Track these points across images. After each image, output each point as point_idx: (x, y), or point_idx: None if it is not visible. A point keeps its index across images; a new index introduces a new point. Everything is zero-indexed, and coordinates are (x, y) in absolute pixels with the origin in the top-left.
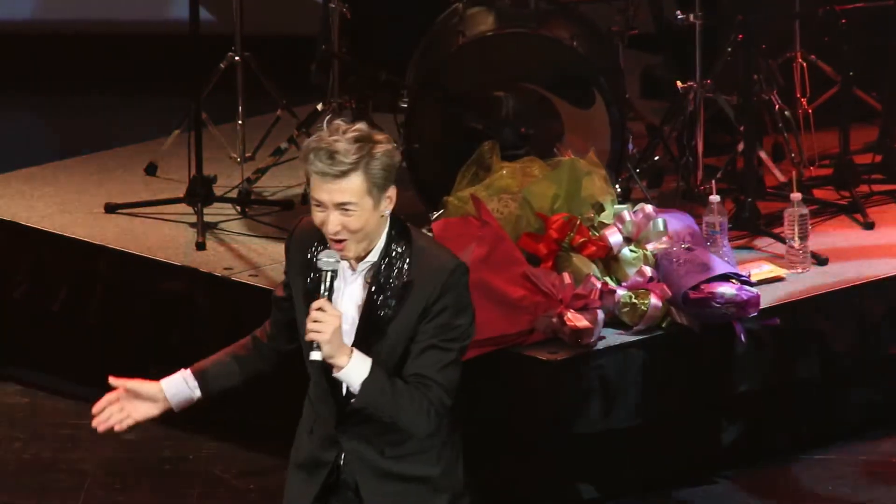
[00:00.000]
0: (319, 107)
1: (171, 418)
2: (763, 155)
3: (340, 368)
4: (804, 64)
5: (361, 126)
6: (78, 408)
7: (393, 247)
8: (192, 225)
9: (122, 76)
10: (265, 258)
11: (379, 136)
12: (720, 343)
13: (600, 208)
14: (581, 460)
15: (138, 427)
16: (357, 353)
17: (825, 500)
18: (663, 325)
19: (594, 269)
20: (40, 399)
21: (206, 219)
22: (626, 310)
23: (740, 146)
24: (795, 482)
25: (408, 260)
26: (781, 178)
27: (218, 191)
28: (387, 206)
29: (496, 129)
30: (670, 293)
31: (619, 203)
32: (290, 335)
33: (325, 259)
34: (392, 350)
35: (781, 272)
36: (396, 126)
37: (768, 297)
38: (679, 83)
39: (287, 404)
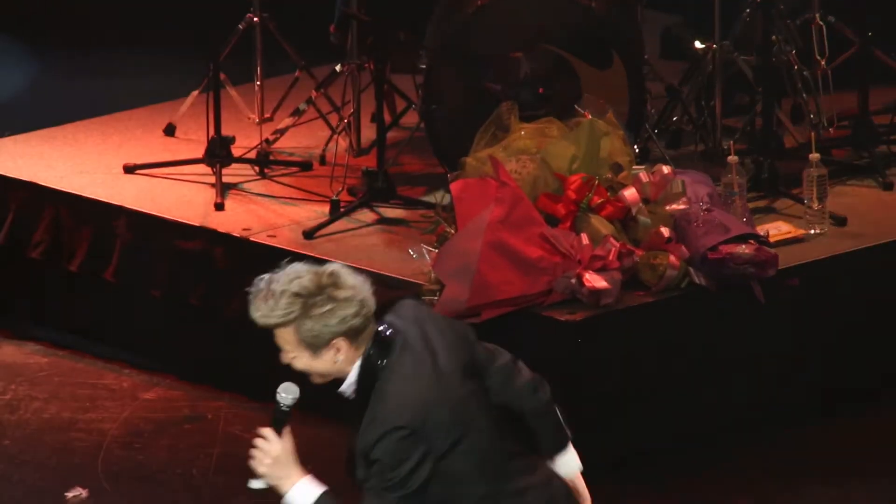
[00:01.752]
0: (338, 67)
1: (190, 377)
2: (782, 116)
3: (283, 496)
4: (823, 25)
5: (314, 276)
6: (97, 367)
7: (363, 383)
8: (210, 185)
9: (140, 36)
10: (284, 219)
11: (337, 291)
12: (738, 303)
13: (618, 169)
14: (599, 421)
15: (157, 386)
16: (304, 483)
17: (841, 463)
18: (682, 285)
19: (612, 230)
20: (60, 358)
21: (225, 179)
22: (644, 271)
23: (759, 107)
24: (812, 444)
25: (373, 398)
26: (800, 138)
27: (236, 151)
28: (335, 356)
29: (514, 89)
30: (688, 254)
31: (638, 164)
32: None
33: (283, 394)
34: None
35: (800, 232)
36: (415, 87)
37: (786, 257)
38: (698, 44)
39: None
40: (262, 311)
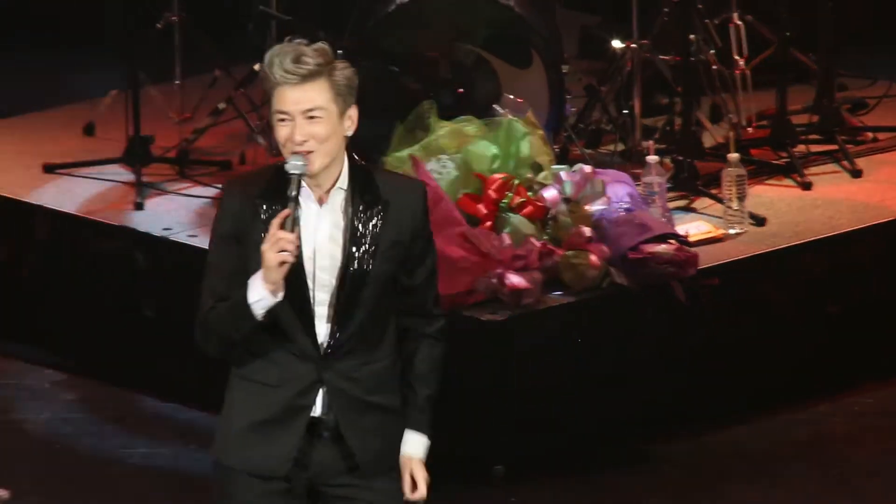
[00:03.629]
0: (257, 67)
1: (111, 378)
2: (701, 115)
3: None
4: (741, 24)
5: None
6: (18, 367)
7: (358, 172)
8: (130, 185)
9: (60, 35)
10: (204, 218)
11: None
12: (659, 303)
13: (539, 169)
14: (524, 419)
15: (78, 387)
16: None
17: (762, 464)
18: (602, 285)
19: (533, 230)
20: None
21: (145, 179)
22: (565, 270)
23: (678, 107)
24: (732, 443)
25: (376, 183)
26: (719, 138)
27: (156, 151)
28: (349, 126)
29: (434, 89)
30: (609, 253)
31: (558, 164)
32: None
33: (293, 163)
34: (381, 272)
35: (719, 232)
36: None
37: (707, 257)
38: (616, 43)
39: (226, 369)
40: (304, 59)
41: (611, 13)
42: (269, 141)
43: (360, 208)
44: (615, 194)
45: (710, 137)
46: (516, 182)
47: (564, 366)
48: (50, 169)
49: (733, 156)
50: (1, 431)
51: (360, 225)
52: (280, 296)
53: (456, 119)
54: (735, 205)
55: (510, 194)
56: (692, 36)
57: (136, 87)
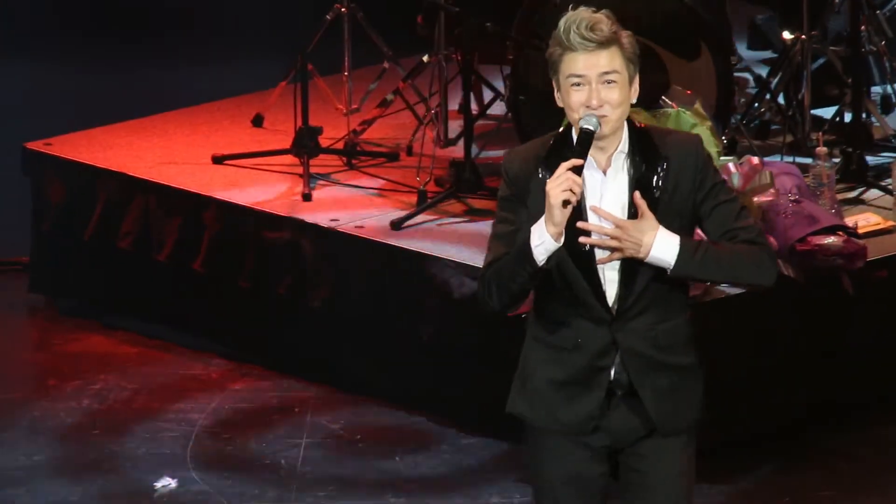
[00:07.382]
0: (425, 58)
1: (278, 368)
2: (871, 107)
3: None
4: None
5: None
6: (185, 357)
7: (636, 134)
8: (298, 176)
9: (229, 28)
10: (371, 209)
11: None
12: (827, 295)
13: None
14: None
15: (245, 377)
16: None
17: None
18: None
19: None
20: (148, 349)
21: (313, 170)
22: None
23: (848, 98)
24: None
25: (654, 141)
26: (889, 130)
27: (324, 142)
28: (634, 94)
29: None
30: (777, 245)
31: (726, 155)
32: None
33: (588, 118)
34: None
35: (889, 224)
36: (503, 77)
37: (875, 249)
38: (786, 35)
39: (391, 358)
40: (599, 27)
41: (781, 4)
42: (437, 132)
43: (643, 168)
44: (783, 186)
45: (881, 129)
46: None
47: (730, 357)
48: (219, 160)
49: None
50: (168, 421)
51: (642, 184)
52: (562, 241)
53: None
54: None
55: None
56: (863, 27)
57: (305, 78)
